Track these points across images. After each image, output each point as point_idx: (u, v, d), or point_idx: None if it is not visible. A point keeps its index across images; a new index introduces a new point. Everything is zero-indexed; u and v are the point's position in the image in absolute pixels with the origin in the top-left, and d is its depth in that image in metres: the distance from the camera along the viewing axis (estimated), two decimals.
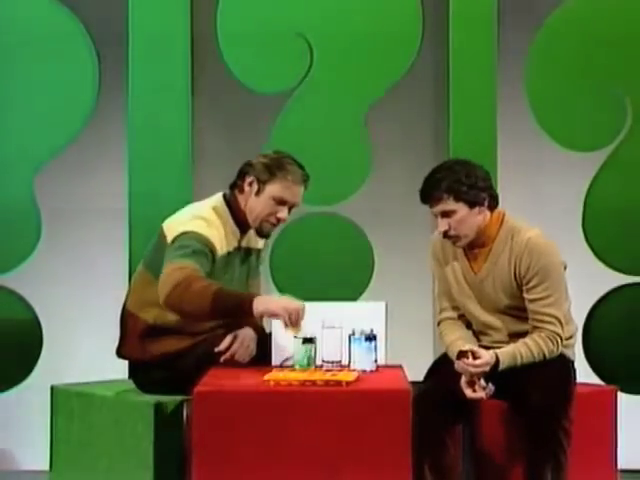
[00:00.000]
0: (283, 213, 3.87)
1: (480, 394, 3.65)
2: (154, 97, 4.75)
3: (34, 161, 4.93)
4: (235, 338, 3.87)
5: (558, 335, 3.73)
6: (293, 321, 3.55)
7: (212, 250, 3.75)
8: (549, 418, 3.59)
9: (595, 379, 4.81)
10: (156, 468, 3.69)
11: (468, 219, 3.76)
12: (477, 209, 3.77)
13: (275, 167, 3.85)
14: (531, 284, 3.74)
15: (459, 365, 3.64)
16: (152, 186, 4.65)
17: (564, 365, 3.79)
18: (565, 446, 3.61)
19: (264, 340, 3.90)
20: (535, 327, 3.75)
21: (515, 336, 3.78)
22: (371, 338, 3.67)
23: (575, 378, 3.81)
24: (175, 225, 3.80)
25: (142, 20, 4.78)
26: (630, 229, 4.91)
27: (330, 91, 4.86)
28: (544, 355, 3.71)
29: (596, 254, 4.93)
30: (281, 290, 4.35)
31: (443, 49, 4.81)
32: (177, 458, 3.68)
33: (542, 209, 4.83)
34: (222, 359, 3.83)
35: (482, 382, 3.65)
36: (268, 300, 3.64)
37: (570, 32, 4.89)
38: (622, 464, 4.05)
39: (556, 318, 3.73)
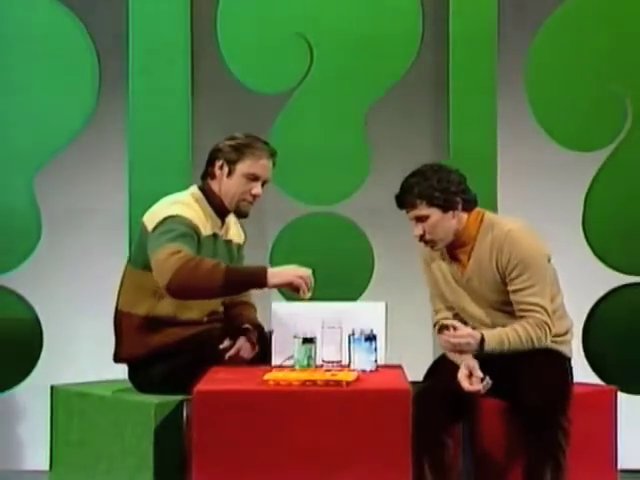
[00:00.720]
0: (257, 189, 3.93)
1: (477, 387, 3.64)
2: (154, 97, 4.75)
3: (34, 161, 4.93)
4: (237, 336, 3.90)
5: (545, 323, 3.72)
6: (308, 287, 3.69)
7: (196, 231, 3.80)
8: (547, 417, 3.59)
9: (595, 379, 4.81)
10: (156, 468, 3.69)
11: (442, 223, 3.79)
12: (451, 213, 3.79)
13: (242, 146, 3.94)
14: (513, 275, 3.75)
15: (441, 339, 3.68)
16: (152, 186, 4.63)
17: (561, 363, 3.78)
18: (564, 446, 3.60)
19: (264, 340, 3.90)
20: (522, 317, 3.74)
21: None
22: (371, 338, 3.67)
23: (572, 376, 3.81)
24: (154, 215, 3.84)
25: (143, 20, 4.78)
26: (630, 229, 4.91)
27: (330, 91, 4.86)
28: (532, 342, 3.70)
29: (596, 254, 4.93)
30: (281, 290, 4.34)
31: (443, 49, 4.81)
32: (177, 458, 3.68)
33: (542, 209, 4.83)
34: (227, 356, 3.86)
35: (479, 373, 3.64)
36: (280, 271, 3.73)
37: (570, 32, 4.90)
38: (622, 464, 4.05)
39: (541, 307, 3.72)
